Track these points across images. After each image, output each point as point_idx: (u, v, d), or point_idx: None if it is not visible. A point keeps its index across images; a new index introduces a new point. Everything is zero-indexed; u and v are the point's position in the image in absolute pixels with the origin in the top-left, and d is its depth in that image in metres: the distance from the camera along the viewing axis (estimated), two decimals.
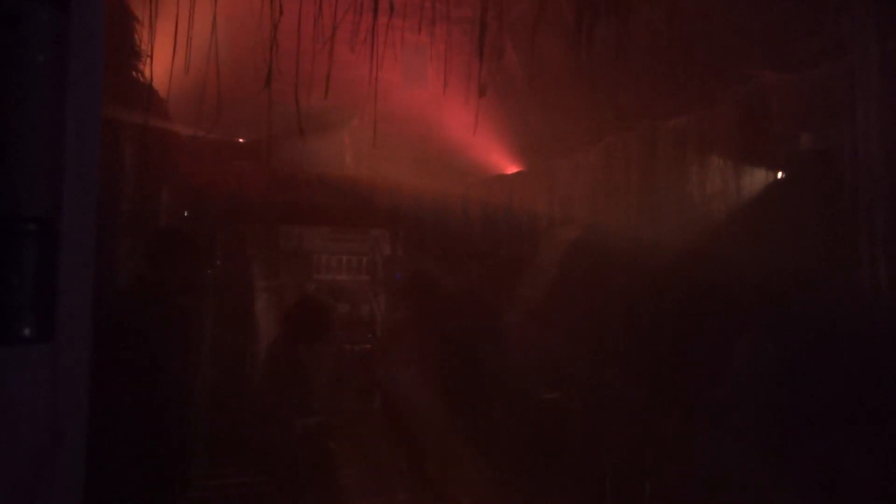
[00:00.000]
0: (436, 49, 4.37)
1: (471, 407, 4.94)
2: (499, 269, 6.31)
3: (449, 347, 4.89)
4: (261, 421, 4.43)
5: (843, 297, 3.54)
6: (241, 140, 8.14)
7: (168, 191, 5.76)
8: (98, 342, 1.44)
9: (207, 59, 3.35)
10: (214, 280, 6.37)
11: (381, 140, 4.28)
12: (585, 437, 5.21)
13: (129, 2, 4.07)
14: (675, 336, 4.62)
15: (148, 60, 3.54)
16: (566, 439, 5.26)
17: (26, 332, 1.14)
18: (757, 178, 4.36)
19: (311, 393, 4.60)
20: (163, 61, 3.50)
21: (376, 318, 8.18)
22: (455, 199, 7.66)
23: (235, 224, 7.04)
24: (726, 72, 4.80)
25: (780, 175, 4.25)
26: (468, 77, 3.91)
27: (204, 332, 5.03)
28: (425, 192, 7.66)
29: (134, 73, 4.15)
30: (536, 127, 8.10)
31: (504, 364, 5.06)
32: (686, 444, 4.20)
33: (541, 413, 5.32)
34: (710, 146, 4.67)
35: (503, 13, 3.93)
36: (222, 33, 3.42)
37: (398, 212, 7.59)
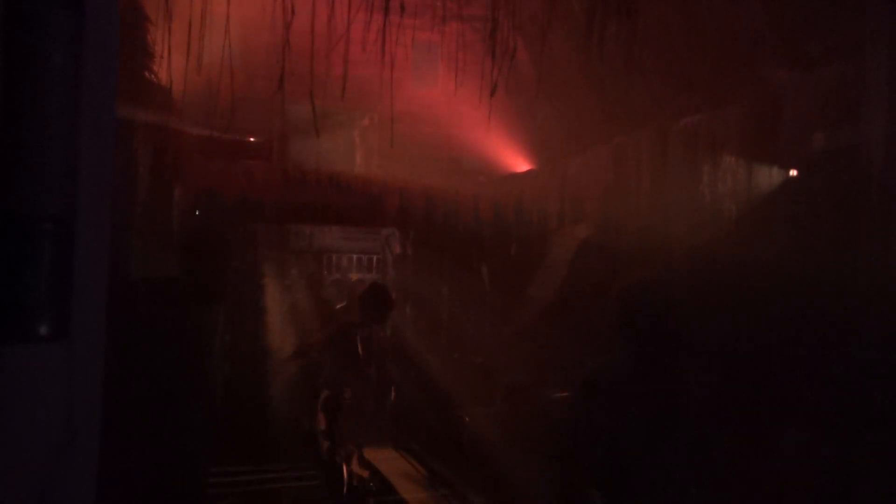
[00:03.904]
0: (447, 48, 4.37)
1: None
2: None
3: None
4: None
5: (855, 297, 3.51)
6: (252, 139, 8.18)
7: (180, 190, 5.80)
8: (116, 340, 1.45)
9: (220, 59, 3.36)
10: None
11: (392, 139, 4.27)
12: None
13: (143, 4, 4.09)
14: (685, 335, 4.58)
15: (161, 61, 3.55)
16: None
17: (42, 330, 1.15)
18: (769, 178, 4.33)
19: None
20: (176, 62, 3.51)
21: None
22: (466, 199, 7.66)
23: (246, 223, 7.08)
24: (738, 71, 4.77)
25: (792, 174, 4.22)
26: (479, 76, 3.89)
27: (219, 331, 5.06)
28: (436, 191, 7.67)
29: (147, 73, 4.18)
30: (547, 126, 8.09)
31: None
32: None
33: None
34: (722, 146, 4.65)
35: (515, 12, 3.91)
36: (235, 34, 3.43)
37: (409, 211, 7.60)
